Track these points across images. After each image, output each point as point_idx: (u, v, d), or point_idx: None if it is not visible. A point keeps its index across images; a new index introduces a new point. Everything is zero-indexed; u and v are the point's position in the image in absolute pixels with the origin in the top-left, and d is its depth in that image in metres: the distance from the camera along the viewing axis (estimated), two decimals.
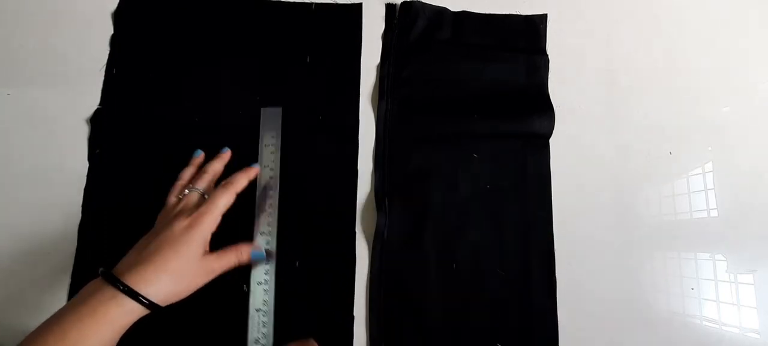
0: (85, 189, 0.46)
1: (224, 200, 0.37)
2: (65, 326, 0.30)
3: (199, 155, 0.43)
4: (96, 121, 0.47)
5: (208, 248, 0.36)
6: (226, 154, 0.43)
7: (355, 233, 0.45)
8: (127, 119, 0.48)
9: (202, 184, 0.39)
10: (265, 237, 0.43)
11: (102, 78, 0.49)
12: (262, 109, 0.47)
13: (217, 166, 0.42)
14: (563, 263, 0.45)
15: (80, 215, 0.45)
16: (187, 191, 0.39)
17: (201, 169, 0.42)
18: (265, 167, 0.45)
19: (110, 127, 0.47)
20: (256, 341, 0.41)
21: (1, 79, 0.49)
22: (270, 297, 0.42)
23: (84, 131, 0.48)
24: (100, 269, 0.33)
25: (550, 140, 0.48)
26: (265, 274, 0.42)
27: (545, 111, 0.48)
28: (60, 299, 0.43)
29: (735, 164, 0.49)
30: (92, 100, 0.48)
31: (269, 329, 0.41)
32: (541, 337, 0.44)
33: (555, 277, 0.45)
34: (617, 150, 0.49)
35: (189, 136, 0.47)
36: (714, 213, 0.48)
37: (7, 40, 0.50)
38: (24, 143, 0.47)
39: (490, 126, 0.48)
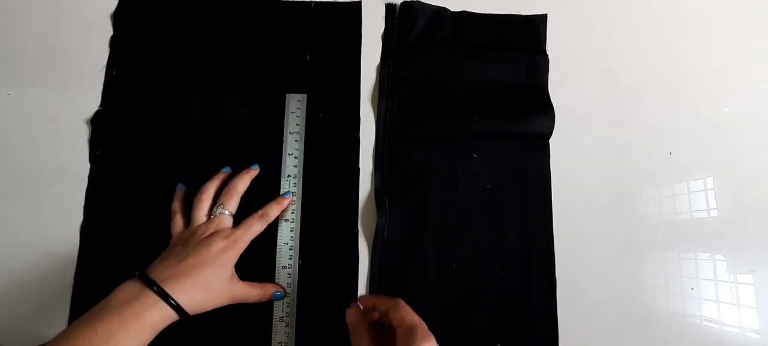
0: (87, 190, 0.46)
1: (257, 228, 0.41)
2: (111, 327, 0.32)
3: (227, 170, 0.45)
4: (96, 122, 0.47)
5: (234, 271, 0.39)
6: (254, 172, 0.44)
7: (357, 231, 0.46)
8: (127, 120, 0.48)
9: (232, 206, 0.41)
10: (289, 225, 0.44)
11: (102, 79, 0.49)
12: (288, 95, 0.48)
13: (243, 184, 0.43)
14: (563, 263, 0.45)
15: (82, 215, 0.45)
16: (218, 211, 0.40)
17: (228, 185, 0.42)
18: (290, 156, 0.46)
19: (111, 128, 0.47)
20: (281, 319, 0.42)
21: (1, 79, 0.49)
22: (293, 300, 0.43)
23: (84, 131, 0.48)
24: (138, 272, 0.35)
25: (550, 140, 0.48)
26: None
27: (545, 111, 0.48)
28: (62, 299, 0.43)
29: (735, 164, 0.49)
30: (92, 100, 0.48)
31: (292, 331, 0.42)
32: (541, 337, 0.44)
33: (555, 277, 0.45)
34: (617, 150, 0.49)
35: (190, 135, 0.47)
36: (714, 213, 0.48)
37: (7, 40, 0.50)
38: (24, 143, 0.47)
39: (490, 126, 0.48)
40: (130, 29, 0.50)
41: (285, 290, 0.42)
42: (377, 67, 0.51)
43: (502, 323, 0.44)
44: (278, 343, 0.42)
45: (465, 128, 0.48)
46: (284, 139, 0.46)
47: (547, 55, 0.51)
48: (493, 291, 0.44)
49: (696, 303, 0.45)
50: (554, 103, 0.49)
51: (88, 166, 0.46)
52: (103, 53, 0.50)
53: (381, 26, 0.52)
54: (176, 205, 0.43)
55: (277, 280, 0.43)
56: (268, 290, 0.41)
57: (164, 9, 0.51)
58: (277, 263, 0.43)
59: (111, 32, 0.50)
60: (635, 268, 0.46)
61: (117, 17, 0.51)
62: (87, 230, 0.45)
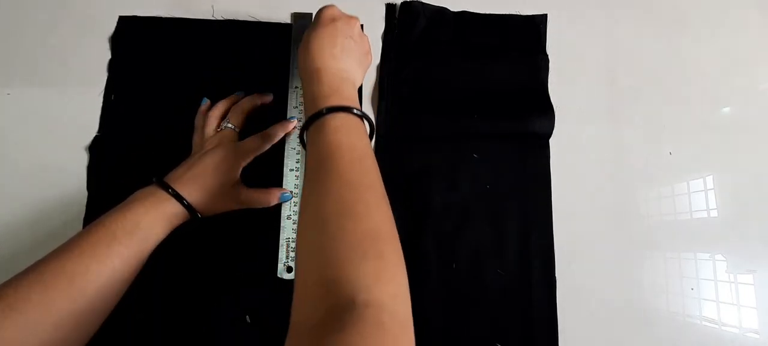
0: (85, 219, 0.45)
1: (257, 144, 0.43)
2: (138, 214, 0.36)
3: (240, 94, 0.47)
4: (94, 149, 0.47)
5: (240, 179, 0.41)
6: (267, 97, 0.47)
7: None
8: (126, 146, 0.47)
9: (236, 121, 0.44)
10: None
11: (102, 79, 0.49)
12: (292, 13, 0.49)
13: (250, 103, 0.46)
14: (563, 263, 0.45)
15: (82, 215, 0.45)
16: (224, 125, 0.44)
17: (237, 103, 0.45)
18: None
19: (110, 155, 0.47)
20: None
21: (1, 79, 0.49)
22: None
23: (84, 132, 0.47)
24: (154, 178, 0.39)
25: (550, 140, 0.48)
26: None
27: (545, 111, 0.48)
28: None
29: (735, 164, 0.49)
30: (92, 100, 0.48)
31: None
32: (541, 337, 0.44)
33: (555, 277, 0.45)
34: (617, 150, 0.49)
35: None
36: (714, 213, 0.48)
37: (7, 40, 0.50)
38: (24, 143, 0.47)
39: (490, 126, 0.48)
40: (128, 53, 0.50)
41: (289, 192, 0.44)
42: (377, 67, 0.51)
43: (502, 323, 0.44)
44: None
45: (465, 128, 0.48)
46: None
47: (547, 55, 0.51)
48: (493, 291, 0.44)
49: (696, 303, 0.45)
50: (554, 103, 0.49)
51: (87, 165, 0.46)
52: (103, 53, 0.50)
53: (381, 26, 0.52)
54: (198, 120, 0.45)
55: (282, 209, 0.44)
56: (272, 194, 0.43)
57: (163, 33, 0.50)
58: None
59: (111, 31, 0.50)
60: (635, 268, 0.46)
61: (115, 41, 0.50)
62: None
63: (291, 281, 0.43)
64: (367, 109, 0.49)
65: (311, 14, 0.50)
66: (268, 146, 0.43)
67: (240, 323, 0.43)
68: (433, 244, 0.45)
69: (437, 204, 0.46)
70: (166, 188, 0.38)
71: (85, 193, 0.46)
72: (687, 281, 0.46)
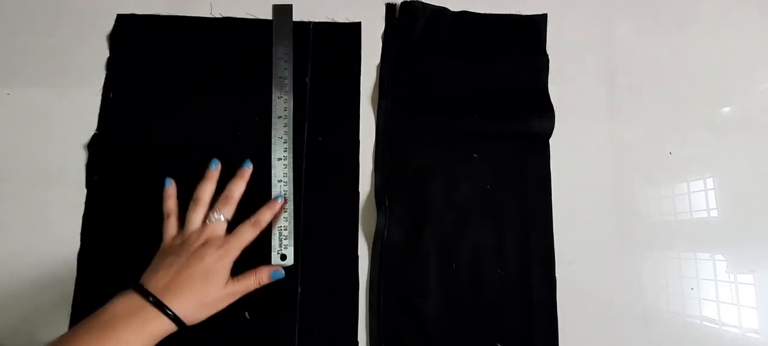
0: (84, 216, 0.45)
1: (249, 235, 0.40)
2: (121, 336, 0.33)
3: (216, 167, 0.42)
4: (93, 147, 0.47)
5: (230, 275, 0.39)
6: (247, 171, 0.43)
7: (357, 231, 0.46)
8: (125, 144, 0.47)
9: (228, 213, 0.40)
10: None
11: (101, 79, 0.49)
12: (273, 6, 0.49)
13: (239, 190, 0.42)
14: (563, 263, 0.45)
15: (82, 217, 0.45)
16: (214, 217, 0.40)
17: (224, 191, 0.41)
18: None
19: (108, 153, 0.47)
20: (279, 253, 0.43)
21: (1, 79, 0.49)
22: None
23: (84, 131, 0.47)
24: (133, 284, 0.36)
25: (550, 140, 0.48)
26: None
27: (545, 111, 0.48)
28: (61, 300, 0.43)
29: (735, 164, 0.49)
30: (91, 98, 0.48)
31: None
32: (541, 337, 0.44)
33: (555, 277, 0.45)
34: (617, 150, 0.49)
35: (188, 158, 0.46)
36: (714, 213, 0.48)
37: (7, 40, 0.50)
38: (24, 143, 0.47)
39: (490, 126, 0.48)
40: (126, 51, 0.50)
41: (280, 269, 0.42)
42: (377, 67, 0.50)
43: (502, 323, 0.44)
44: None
45: (465, 128, 0.48)
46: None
47: (547, 55, 0.51)
48: (493, 291, 0.44)
49: (696, 303, 0.45)
50: (554, 103, 0.49)
51: (86, 162, 0.46)
52: (101, 51, 0.50)
53: (381, 26, 0.52)
54: (170, 205, 0.41)
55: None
56: (261, 273, 0.40)
57: (161, 31, 0.50)
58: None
59: (109, 29, 0.50)
60: (635, 268, 0.46)
61: (113, 39, 0.50)
62: (84, 257, 0.44)
63: (288, 268, 0.43)
64: (367, 109, 0.49)
65: (291, 6, 0.50)
66: (257, 235, 0.40)
67: (239, 319, 0.42)
68: (433, 244, 0.45)
69: (437, 204, 0.46)
70: (148, 296, 0.34)
71: (84, 191, 0.46)
72: (687, 281, 0.46)
